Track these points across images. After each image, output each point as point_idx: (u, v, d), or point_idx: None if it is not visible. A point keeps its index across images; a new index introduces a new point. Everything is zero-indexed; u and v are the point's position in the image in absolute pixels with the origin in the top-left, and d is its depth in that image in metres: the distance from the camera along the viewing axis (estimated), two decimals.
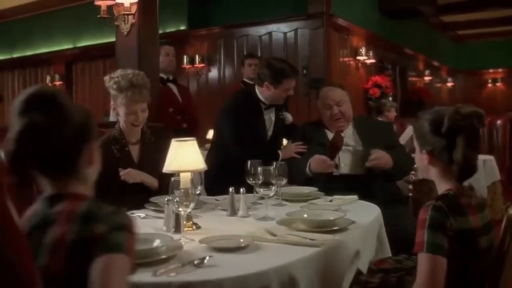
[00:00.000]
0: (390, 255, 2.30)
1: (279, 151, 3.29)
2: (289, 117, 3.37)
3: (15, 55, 9.96)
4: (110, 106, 2.74)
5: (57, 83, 9.22)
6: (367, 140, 3.18)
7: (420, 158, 1.80)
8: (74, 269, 1.18)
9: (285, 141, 3.09)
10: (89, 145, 1.37)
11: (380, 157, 3.00)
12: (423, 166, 1.80)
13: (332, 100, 3.28)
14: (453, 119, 1.66)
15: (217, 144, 3.42)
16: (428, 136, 1.73)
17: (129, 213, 2.32)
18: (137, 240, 1.29)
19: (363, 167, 3.06)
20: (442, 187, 1.75)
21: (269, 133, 3.41)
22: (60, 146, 1.29)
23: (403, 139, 6.19)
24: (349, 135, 3.26)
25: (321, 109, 3.35)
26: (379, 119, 5.49)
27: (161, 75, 4.59)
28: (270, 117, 3.41)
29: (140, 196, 2.50)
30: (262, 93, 3.35)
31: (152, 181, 2.62)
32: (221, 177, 2.87)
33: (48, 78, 9.39)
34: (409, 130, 6.92)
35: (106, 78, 2.67)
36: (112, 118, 5.13)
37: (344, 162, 3.15)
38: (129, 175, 2.56)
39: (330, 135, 3.29)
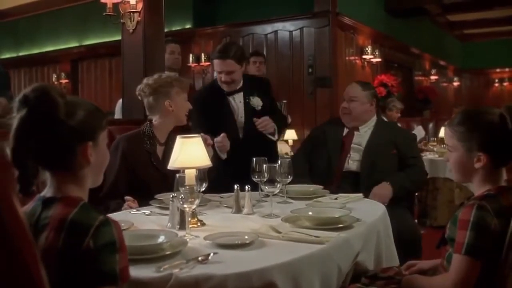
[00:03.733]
0: (396, 256, 2.27)
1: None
2: (255, 103, 3.37)
3: (21, 54, 9.97)
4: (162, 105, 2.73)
5: (63, 81, 9.24)
6: (380, 143, 3.23)
7: (467, 161, 1.71)
8: (62, 277, 1.19)
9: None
10: (85, 144, 1.35)
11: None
12: (469, 169, 1.71)
13: (346, 94, 3.41)
14: None
15: None
16: (483, 137, 1.67)
17: (135, 210, 2.34)
18: (127, 252, 1.29)
19: (369, 166, 3.14)
20: (482, 190, 1.70)
21: (241, 118, 3.41)
22: (51, 143, 1.29)
23: None
24: (366, 135, 3.31)
25: None
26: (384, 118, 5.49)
27: (167, 73, 4.59)
28: (236, 103, 3.42)
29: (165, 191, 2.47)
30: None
31: None
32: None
33: (54, 76, 9.42)
34: (416, 131, 6.90)
35: (145, 83, 2.76)
36: (117, 115, 5.14)
37: (353, 160, 3.23)
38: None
39: (346, 131, 3.39)
